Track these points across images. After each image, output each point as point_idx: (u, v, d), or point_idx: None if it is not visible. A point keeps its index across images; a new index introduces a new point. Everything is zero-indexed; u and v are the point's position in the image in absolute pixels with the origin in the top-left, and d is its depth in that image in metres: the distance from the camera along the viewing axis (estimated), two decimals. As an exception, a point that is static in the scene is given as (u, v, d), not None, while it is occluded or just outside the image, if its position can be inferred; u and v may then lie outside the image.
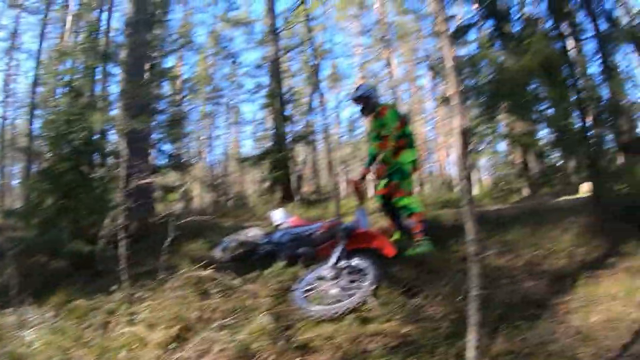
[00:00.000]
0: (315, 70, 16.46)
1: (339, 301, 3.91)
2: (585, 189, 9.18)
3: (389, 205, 5.71)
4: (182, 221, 4.83)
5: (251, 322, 3.49)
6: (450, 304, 3.90)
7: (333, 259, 4.39)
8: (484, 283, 3.74)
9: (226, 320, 3.59)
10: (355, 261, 4.42)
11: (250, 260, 5.19)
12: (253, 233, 5.73)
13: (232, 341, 3.22)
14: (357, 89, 5.88)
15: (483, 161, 22.65)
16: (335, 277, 4.25)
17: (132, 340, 3.45)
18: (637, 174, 5.43)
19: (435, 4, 3.36)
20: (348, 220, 5.59)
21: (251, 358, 3.13)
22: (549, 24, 6.93)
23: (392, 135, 5.50)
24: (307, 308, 3.83)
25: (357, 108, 5.88)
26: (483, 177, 24.81)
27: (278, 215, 5.95)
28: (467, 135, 2.86)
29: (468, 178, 2.63)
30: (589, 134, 6.49)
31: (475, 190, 19.32)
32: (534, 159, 14.62)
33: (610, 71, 6.29)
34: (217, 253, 5.57)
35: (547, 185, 12.96)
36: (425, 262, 4.98)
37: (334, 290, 4.10)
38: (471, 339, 2.60)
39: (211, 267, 4.42)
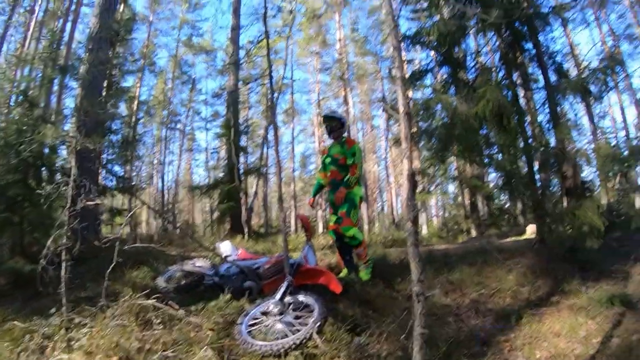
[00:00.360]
0: (272, 104, 16.60)
1: (284, 337, 3.83)
2: (531, 230, 9.46)
3: (341, 240, 5.75)
4: (128, 246, 4.67)
5: (193, 355, 3.40)
6: (395, 342, 3.90)
7: (279, 294, 4.30)
8: (430, 321, 3.78)
9: (167, 352, 3.46)
10: (301, 297, 4.36)
11: (195, 291, 5.07)
12: (199, 264, 5.56)
13: (175, 375, 3.06)
14: (334, 112, 5.99)
15: (433, 201, 23.22)
16: (281, 313, 4.15)
17: (68, 370, 3.26)
18: (579, 217, 5.64)
19: (394, 49, 3.45)
20: (296, 255, 5.52)
21: (193, 392, 2.98)
22: (501, 73, 7.23)
23: (359, 165, 5.69)
24: (251, 343, 3.73)
25: (324, 129, 6.09)
26: (432, 217, 25.34)
27: (225, 248, 5.78)
28: (415, 178, 2.91)
29: (414, 221, 2.64)
30: (535, 178, 6.74)
31: (425, 229, 19.67)
32: (482, 201, 15.07)
33: (557, 119, 6.56)
34: (161, 282, 5.31)
35: (494, 226, 13.31)
36: (371, 300, 5.00)
37: (279, 326, 4.00)
38: (416, 376, 2.44)
39: (154, 296, 4.26)
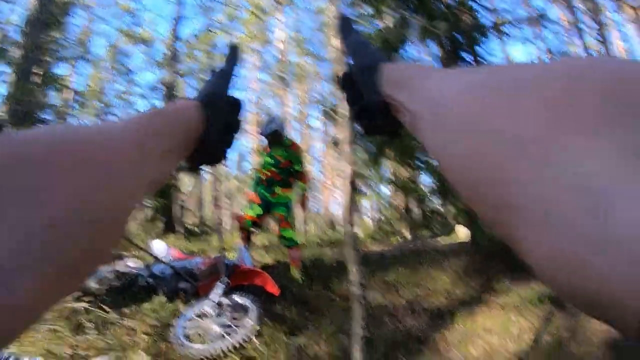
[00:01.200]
0: None
1: (221, 339, 3.80)
2: (463, 232, 9.78)
3: (249, 231, 5.81)
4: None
5: None
6: (334, 344, 3.93)
7: (215, 296, 4.23)
8: (366, 322, 3.83)
9: (101, 358, 3.35)
10: (237, 298, 4.32)
11: (129, 292, 4.88)
12: (132, 264, 5.33)
13: (109, 381, 2.96)
14: (272, 121, 5.92)
15: (368, 204, 23.52)
16: (217, 314, 4.10)
17: (-10, 378, 3.07)
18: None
19: (335, 50, 3.46)
20: (231, 256, 5.51)
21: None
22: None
23: (304, 170, 5.85)
24: (188, 346, 3.67)
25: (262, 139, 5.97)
26: (366, 219, 25.67)
27: (158, 247, 5.63)
28: (355, 183, 2.94)
29: (352, 223, 2.66)
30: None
31: (359, 231, 19.90)
32: (416, 204, 15.39)
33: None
34: (93, 284, 5.13)
35: (427, 229, 13.61)
36: (309, 301, 5.02)
37: (216, 328, 3.95)
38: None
39: (86, 299, 4.14)
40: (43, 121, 9.54)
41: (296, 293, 5.17)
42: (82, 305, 3.97)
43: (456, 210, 7.86)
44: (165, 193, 12.83)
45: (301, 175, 5.93)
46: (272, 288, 4.59)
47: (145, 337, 3.75)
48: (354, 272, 2.63)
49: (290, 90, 25.96)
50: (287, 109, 24.02)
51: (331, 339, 4.02)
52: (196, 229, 16.34)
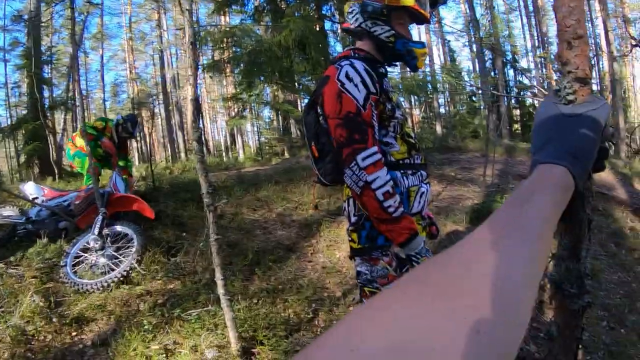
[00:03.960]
0: (80, 28, 14.99)
1: (110, 271, 4.01)
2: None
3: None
4: None
5: (21, 305, 3.39)
6: (206, 258, 4.26)
7: (96, 228, 4.29)
8: (239, 235, 4.23)
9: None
10: (118, 227, 4.46)
11: (10, 242, 4.79)
12: (6, 213, 5.15)
13: (6, 328, 3.13)
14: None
15: (249, 126, 23.68)
16: (102, 247, 4.23)
17: None
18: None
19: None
20: (102, 185, 5.56)
21: (29, 341, 3.10)
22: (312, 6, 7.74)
23: None
24: (79, 282, 3.82)
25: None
26: (248, 141, 25.96)
27: (29, 189, 5.44)
28: (198, 102, 3.07)
29: (199, 140, 2.81)
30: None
31: (241, 154, 20.20)
32: (295, 125, 15.88)
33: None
34: None
35: (305, 148, 14.21)
36: (184, 222, 5.37)
37: (102, 260, 4.13)
38: (218, 277, 2.86)
39: None
40: None
41: (172, 215, 5.48)
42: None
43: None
44: (38, 134, 12.20)
45: None
46: (149, 213, 4.75)
47: (34, 280, 3.87)
48: (203, 185, 2.79)
49: (166, 13, 24.90)
50: (162, 33, 23.03)
51: (203, 254, 4.38)
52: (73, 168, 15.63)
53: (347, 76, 1.62)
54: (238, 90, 10.48)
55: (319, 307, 3.65)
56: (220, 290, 2.87)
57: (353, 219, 1.78)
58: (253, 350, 2.97)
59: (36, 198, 5.25)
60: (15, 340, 3.02)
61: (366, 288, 1.75)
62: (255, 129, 23.58)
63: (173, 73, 27.06)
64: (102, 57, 25.47)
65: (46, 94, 13.86)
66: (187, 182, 7.27)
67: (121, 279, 3.91)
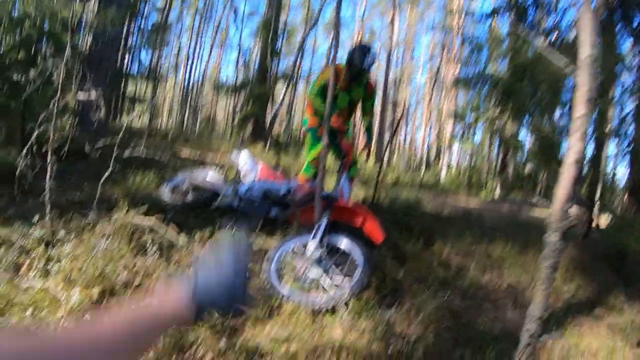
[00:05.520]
0: (317, 12, 15.37)
1: (322, 291, 3.20)
2: (573, 212, 8.91)
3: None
4: (126, 157, 3.99)
5: None
6: (428, 325, 3.18)
7: (319, 233, 3.44)
8: (458, 302, 3.09)
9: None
10: (344, 242, 3.53)
11: (205, 211, 4.19)
12: (211, 177, 4.57)
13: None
14: (369, 50, 4.67)
15: (455, 147, 22.29)
16: (319, 259, 3.37)
17: (42, 298, 2.59)
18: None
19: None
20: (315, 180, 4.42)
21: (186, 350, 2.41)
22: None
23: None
24: (279, 289, 3.11)
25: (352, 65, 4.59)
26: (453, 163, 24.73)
27: (243, 159, 4.71)
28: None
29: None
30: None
31: (443, 174, 19.19)
32: (513, 161, 14.37)
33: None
34: (165, 193, 4.46)
35: (518, 190, 12.83)
36: (404, 256, 4.25)
37: (314, 272, 3.31)
38: None
39: (154, 213, 3.57)
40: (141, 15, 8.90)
41: (389, 243, 4.22)
42: (147, 222, 3.48)
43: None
44: (259, 99, 12.42)
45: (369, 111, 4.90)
46: (378, 235, 3.65)
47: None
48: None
49: (400, 12, 24.65)
50: (393, 32, 22.76)
51: (427, 318, 3.23)
52: (283, 139, 15.99)
53: None
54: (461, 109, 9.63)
55: None
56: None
57: None
58: None
59: (247, 172, 4.53)
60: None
61: None
62: (461, 152, 22.07)
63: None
64: (331, 43, 25.82)
65: (273, 64, 14.21)
66: (409, 202, 6.16)
67: (330, 311, 3.03)
